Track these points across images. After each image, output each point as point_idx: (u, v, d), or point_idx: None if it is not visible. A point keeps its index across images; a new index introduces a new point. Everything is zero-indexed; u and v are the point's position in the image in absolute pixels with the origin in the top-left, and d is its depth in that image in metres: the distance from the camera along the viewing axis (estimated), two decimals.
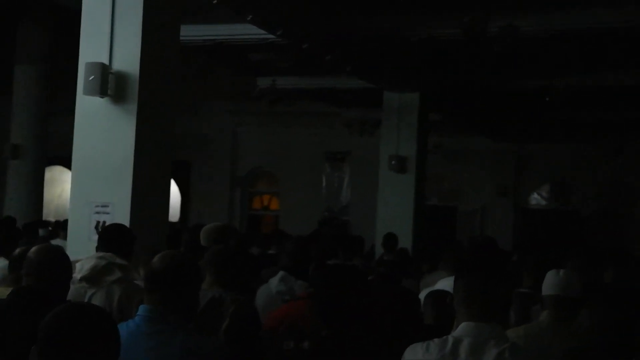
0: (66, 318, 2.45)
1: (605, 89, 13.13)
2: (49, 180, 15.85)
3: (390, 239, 10.77)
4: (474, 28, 8.90)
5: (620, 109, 15.12)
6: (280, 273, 5.54)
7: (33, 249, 3.96)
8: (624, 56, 11.26)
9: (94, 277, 4.76)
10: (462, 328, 3.14)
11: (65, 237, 7.94)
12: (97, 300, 4.65)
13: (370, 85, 12.89)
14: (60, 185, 19.51)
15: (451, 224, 19.58)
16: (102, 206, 6.70)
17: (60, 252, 4.02)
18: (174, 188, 17.72)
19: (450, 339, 3.14)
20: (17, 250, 4.98)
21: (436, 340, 3.17)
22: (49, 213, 17.17)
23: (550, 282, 4.26)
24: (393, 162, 12.73)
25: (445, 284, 5.32)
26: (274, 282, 5.51)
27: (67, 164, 8.64)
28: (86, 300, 4.67)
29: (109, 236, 5.13)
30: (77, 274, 4.70)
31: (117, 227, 5.42)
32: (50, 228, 12.04)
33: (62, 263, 3.92)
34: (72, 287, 4.56)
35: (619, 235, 18.51)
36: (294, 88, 14.47)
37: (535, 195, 20.20)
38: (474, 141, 18.86)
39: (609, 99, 14.15)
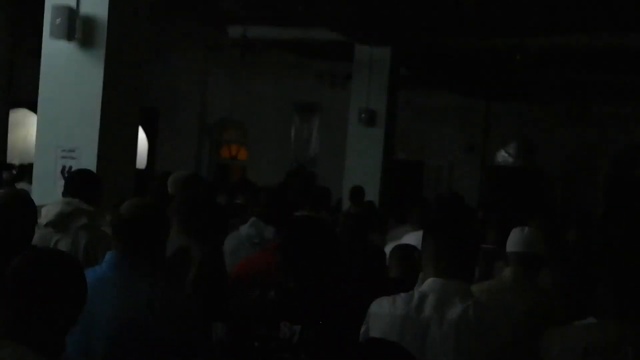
0: (32, 263, 2.44)
1: (575, 50, 13.18)
2: (13, 123, 15.68)
3: (357, 192, 10.81)
4: None
5: (589, 70, 15.20)
6: (251, 219, 5.56)
7: None
8: (594, 17, 11.29)
9: (60, 223, 4.72)
10: (428, 284, 3.18)
11: (30, 181, 7.87)
12: (63, 246, 4.63)
13: (341, 37, 12.82)
14: (25, 128, 19.23)
15: (418, 179, 19.70)
16: (69, 151, 6.66)
17: (25, 197, 3.97)
18: (141, 135, 17.58)
19: (417, 293, 3.18)
20: None
21: (402, 294, 3.21)
22: (14, 157, 16.97)
23: (514, 239, 4.32)
24: (362, 116, 12.73)
25: (412, 238, 5.37)
26: (244, 227, 5.53)
27: (33, 107, 8.53)
28: (52, 245, 4.64)
29: (76, 182, 5.07)
30: (42, 220, 4.66)
31: (84, 172, 5.37)
32: (14, 172, 11.93)
33: (27, 208, 3.88)
34: (37, 232, 4.52)
35: (582, 195, 18.75)
36: (265, 38, 14.35)
37: (502, 152, 20.35)
38: (442, 97, 18.87)
39: (578, 60, 14.21)
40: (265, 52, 15.81)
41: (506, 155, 20.34)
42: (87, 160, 6.56)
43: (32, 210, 3.91)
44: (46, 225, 4.71)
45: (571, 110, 18.45)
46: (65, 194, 5.01)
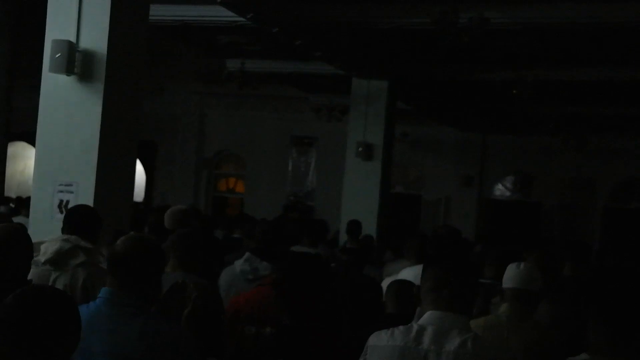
0: (27, 301, 2.43)
1: (571, 83, 13.26)
2: (11, 155, 15.66)
3: (355, 226, 10.78)
4: (445, 19, 8.92)
5: (585, 103, 15.28)
6: (246, 254, 5.53)
7: None
8: (589, 51, 11.38)
9: (58, 261, 4.71)
10: (427, 316, 3.18)
11: (27, 215, 7.87)
12: (61, 284, 4.62)
13: (339, 71, 12.88)
14: (23, 161, 19.30)
15: (415, 213, 19.70)
16: (66, 185, 6.64)
17: (21, 233, 3.95)
18: (139, 168, 17.59)
19: (415, 326, 3.18)
20: None
21: (401, 327, 3.21)
22: (11, 189, 16.98)
23: (510, 275, 4.30)
24: (360, 149, 12.75)
25: (409, 273, 5.35)
26: (239, 262, 5.50)
27: (31, 140, 8.53)
28: (50, 283, 4.62)
29: (75, 218, 5.06)
30: (41, 257, 4.65)
31: (83, 209, 5.34)
32: (12, 205, 11.93)
33: (23, 244, 3.85)
34: (36, 269, 4.52)
35: (579, 227, 18.75)
36: (263, 71, 14.42)
37: (499, 186, 20.37)
38: (439, 130, 18.96)
39: (575, 93, 14.30)
40: (263, 85, 15.88)
41: (503, 188, 20.35)
42: (85, 194, 6.53)
43: (27, 246, 3.89)
44: (45, 262, 4.70)
45: (568, 143, 18.47)
46: (64, 230, 5.00)
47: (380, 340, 3.19)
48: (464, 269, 3.26)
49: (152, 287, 3.34)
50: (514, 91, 12.60)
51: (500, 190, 20.36)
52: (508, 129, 18.66)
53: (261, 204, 18.10)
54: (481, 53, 11.36)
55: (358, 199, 12.77)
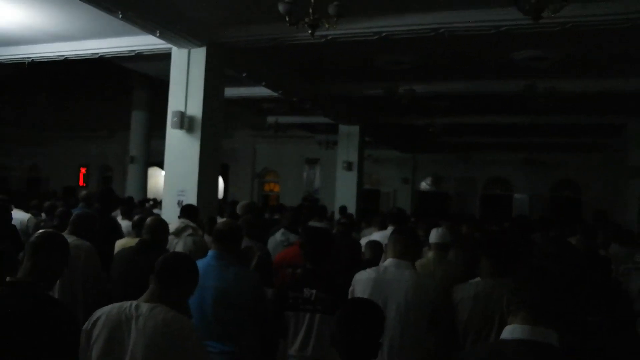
0: (172, 261, 2.46)
1: (462, 125, 13.27)
2: (150, 175, 15.73)
3: (343, 209, 10.78)
4: (390, 90, 8.98)
5: (471, 135, 15.31)
6: (282, 230, 5.52)
7: (149, 218, 3.87)
8: (476, 107, 11.39)
9: (177, 233, 4.75)
10: (389, 261, 3.20)
11: (161, 208, 7.89)
12: (179, 245, 4.65)
13: (331, 121, 12.93)
14: (155, 178, 19.28)
15: (377, 200, 19.68)
16: (181, 191, 6.69)
17: (163, 221, 3.97)
18: (220, 180, 17.57)
19: (382, 266, 3.21)
20: (136, 217, 4.96)
21: (373, 267, 3.24)
22: (150, 194, 16.98)
23: (433, 235, 4.31)
24: (345, 165, 12.76)
25: (377, 235, 5.37)
26: (278, 235, 5.46)
27: (161, 166, 8.53)
28: (173, 246, 4.66)
29: (186, 210, 5.11)
30: (170, 231, 4.67)
31: (190, 205, 5.39)
32: (152, 202, 11.94)
33: (163, 227, 3.87)
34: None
35: (468, 206, 18.73)
36: (288, 122, 14.46)
37: (423, 183, 20.35)
38: (389, 152, 18.95)
39: (464, 130, 14.31)
40: (288, 130, 15.90)
41: (426, 184, 20.34)
42: (191, 196, 6.59)
43: (165, 228, 3.87)
44: (171, 234, 4.73)
45: (462, 157, 18.52)
46: (180, 216, 5.04)
47: (361, 275, 3.19)
48: (411, 236, 3.29)
49: (237, 249, 3.36)
50: (430, 129, 12.62)
51: (424, 186, 20.34)
52: (427, 150, 18.67)
53: (289, 197, 18.09)
54: (411, 109, 11.39)
55: (345, 194, 12.77)
